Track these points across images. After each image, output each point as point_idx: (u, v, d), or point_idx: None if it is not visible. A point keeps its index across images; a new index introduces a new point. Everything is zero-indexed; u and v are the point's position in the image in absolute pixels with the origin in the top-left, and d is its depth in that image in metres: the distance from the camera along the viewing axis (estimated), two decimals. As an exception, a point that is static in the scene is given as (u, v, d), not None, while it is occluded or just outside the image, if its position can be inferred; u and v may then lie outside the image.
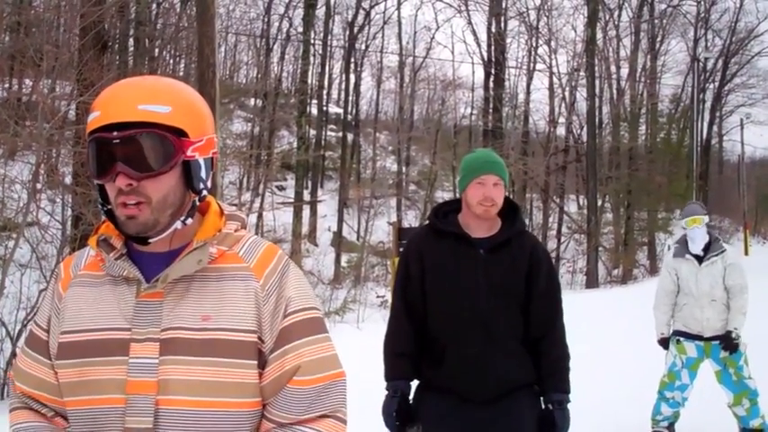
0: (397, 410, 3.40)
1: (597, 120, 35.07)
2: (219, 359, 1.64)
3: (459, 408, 3.34)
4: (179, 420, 1.61)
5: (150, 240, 1.69)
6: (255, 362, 1.68)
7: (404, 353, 3.46)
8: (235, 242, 1.79)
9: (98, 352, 1.65)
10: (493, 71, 35.47)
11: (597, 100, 35.02)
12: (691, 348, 6.72)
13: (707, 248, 6.73)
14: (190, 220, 1.74)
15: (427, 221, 3.67)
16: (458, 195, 3.63)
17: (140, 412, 1.60)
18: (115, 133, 1.63)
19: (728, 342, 6.50)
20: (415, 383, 3.53)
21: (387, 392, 3.46)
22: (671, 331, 6.88)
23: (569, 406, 3.43)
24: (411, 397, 3.50)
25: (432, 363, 3.42)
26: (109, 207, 1.73)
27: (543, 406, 3.44)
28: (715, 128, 48.39)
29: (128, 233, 1.67)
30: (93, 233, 1.80)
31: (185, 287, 1.69)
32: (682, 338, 6.75)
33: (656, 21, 40.80)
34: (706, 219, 6.72)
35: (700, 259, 6.69)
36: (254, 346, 1.68)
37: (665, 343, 6.89)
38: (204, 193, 1.77)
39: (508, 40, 37.40)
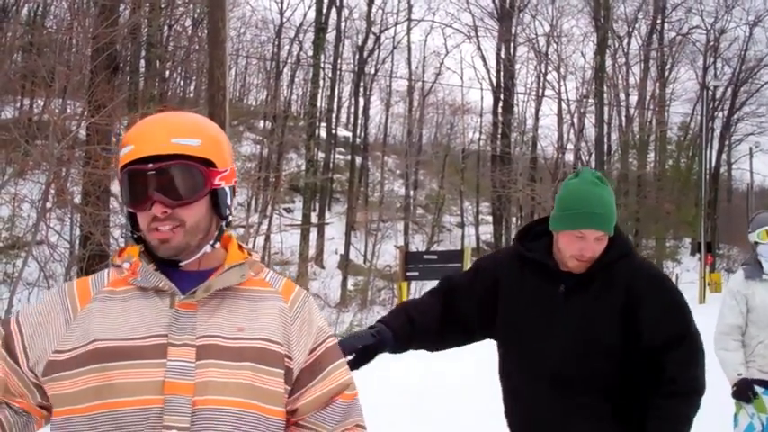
0: (363, 347, 2.75)
1: (606, 146, 35.17)
2: (253, 364, 1.76)
3: None
4: (215, 419, 1.70)
5: (181, 264, 1.82)
6: (282, 372, 1.80)
7: (406, 310, 2.98)
8: (260, 270, 1.93)
9: (132, 356, 1.71)
10: (502, 97, 35.65)
11: (606, 127, 35.13)
12: None
13: None
14: (218, 245, 1.88)
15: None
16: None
17: (178, 412, 1.67)
18: (150, 165, 1.75)
19: None
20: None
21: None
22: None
23: None
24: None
25: (506, 408, 3.03)
26: (138, 234, 1.84)
27: None
28: (724, 156, 48.34)
29: (161, 256, 1.80)
30: (118, 254, 1.90)
31: (218, 302, 1.81)
32: (760, 390, 4.96)
33: (665, 49, 40.97)
34: None
35: None
36: (282, 357, 1.81)
37: (746, 387, 4.98)
38: (230, 218, 1.92)
39: (517, 66, 37.64)
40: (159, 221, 1.76)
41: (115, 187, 12.56)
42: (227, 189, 1.87)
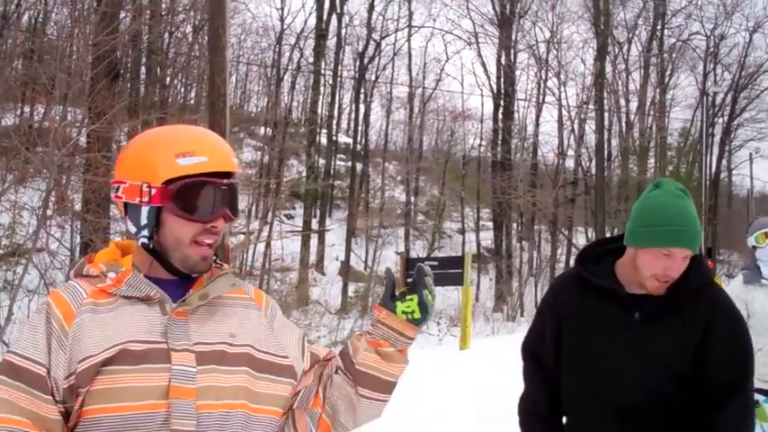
0: None
1: (606, 152, 35.16)
2: (248, 369, 1.81)
3: None
4: (218, 423, 1.73)
5: (194, 275, 1.86)
6: (272, 376, 1.86)
7: (540, 416, 2.86)
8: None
9: (136, 361, 1.71)
10: (502, 103, 35.65)
11: (606, 133, 35.13)
12: None
13: None
14: (217, 260, 1.94)
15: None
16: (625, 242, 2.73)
17: (185, 416, 1.69)
18: (225, 180, 1.82)
19: None
20: None
21: None
22: None
23: None
24: None
25: None
26: (153, 245, 1.84)
27: None
28: (724, 162, 48.26)
29: (200, 270, 1.85)
30: (88, 262, 1.89)
31: (206, 310, 1.84)
32: (761, 398, 4.81)
33: (665, 55, 40.97)
34: None
35: None
36: (277, 364, 1.89)
37: None
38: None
39: (517, 73, 37.66)
40: (209, 235, 1.82)
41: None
42: None
